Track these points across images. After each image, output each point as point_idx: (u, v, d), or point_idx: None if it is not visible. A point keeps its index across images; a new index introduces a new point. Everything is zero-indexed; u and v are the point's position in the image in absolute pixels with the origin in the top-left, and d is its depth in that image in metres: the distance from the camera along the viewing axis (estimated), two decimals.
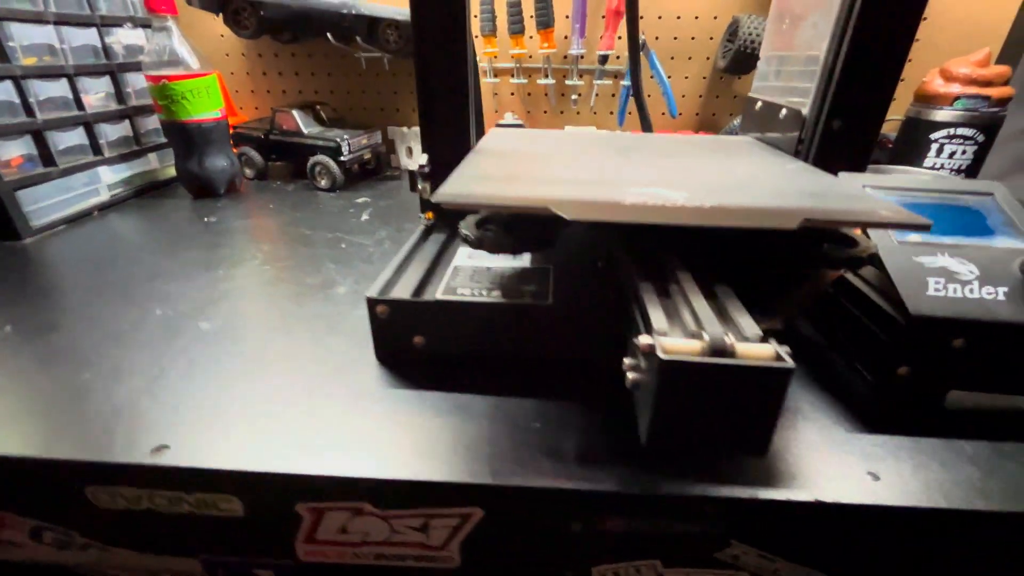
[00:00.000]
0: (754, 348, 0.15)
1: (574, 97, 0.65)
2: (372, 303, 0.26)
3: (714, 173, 0.28)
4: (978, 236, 0.26)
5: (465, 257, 0.30)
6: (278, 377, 0.26)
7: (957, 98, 0.57)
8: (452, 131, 0.33)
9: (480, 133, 0.39)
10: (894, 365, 0.24)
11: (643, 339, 0.16)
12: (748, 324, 0.17)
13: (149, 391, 0.25)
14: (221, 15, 0.55)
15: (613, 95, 0.65)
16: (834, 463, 0.21)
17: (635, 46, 0.39)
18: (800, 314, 0.31)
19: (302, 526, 0.22)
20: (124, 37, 0.54)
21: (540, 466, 0.21)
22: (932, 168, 0.60)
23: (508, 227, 0.24)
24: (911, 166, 0.61)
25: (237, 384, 0.26)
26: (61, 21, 0.47)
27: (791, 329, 0.31)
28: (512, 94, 0.67)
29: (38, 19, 0.45)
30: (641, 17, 0.59)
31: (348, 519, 0.22)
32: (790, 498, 0.20)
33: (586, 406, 0.24)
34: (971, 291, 0.24)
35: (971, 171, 0.60)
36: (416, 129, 0.66)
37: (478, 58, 0.63)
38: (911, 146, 0.61)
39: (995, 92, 0.56)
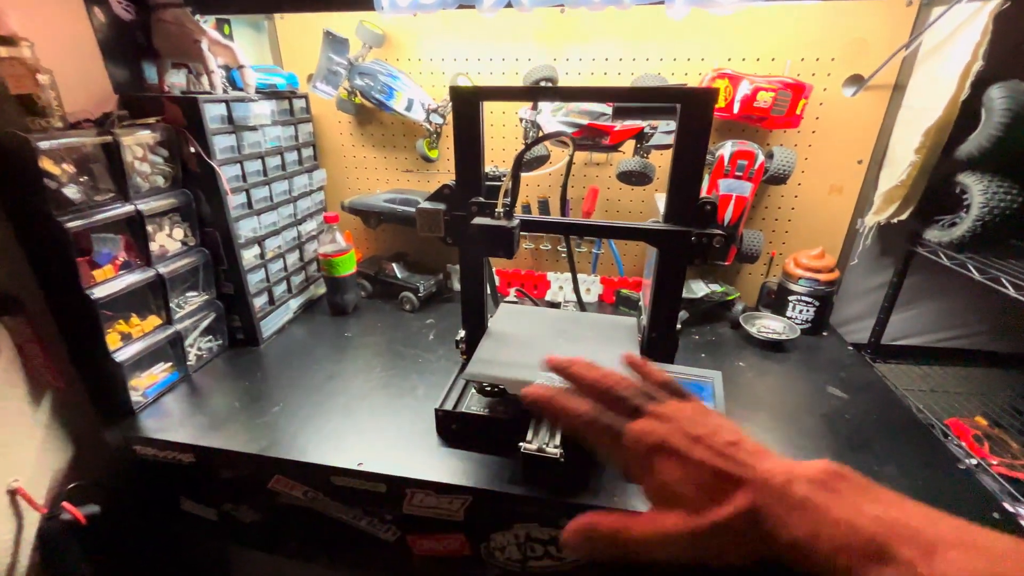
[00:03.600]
0: (550, 449, 0.51)
1: (565, 256, 1.03)
2: (436, 411, 0.63)
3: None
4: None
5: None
6: (398, 437, 0.64)
7: (800, 278, 0.89)
8: (476, 321, 0.71)
9: (495, 298, 0.77)
10: None
11: (521, 443, 0.52)
12: (554, 440, 0.53)
13: (353, 436, 0.64)
14: (359, 217, 0.97)
15: (588, 251, 1.02)
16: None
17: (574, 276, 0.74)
18: None
19: (406, 498, 0.59)
20: (305, 227, 0.97)
21: (493, 482, 0.57)
22: (789, 317, 0.92)
23: (492, 385, 0.61)
24: (779, 315, 0.93)
25: (383, 437, 0.64)
26: (282, 230, 0.90)
27: None
28: (527, 249, 1.05)
29: (275, 232, 0.88)
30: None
31: (424, 496, 0.59)
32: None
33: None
34: None
35: (814, 322, 0.91)
36: None
37: None
38: (780, 301, 0.94)
39: (823, 276, 0.88)
